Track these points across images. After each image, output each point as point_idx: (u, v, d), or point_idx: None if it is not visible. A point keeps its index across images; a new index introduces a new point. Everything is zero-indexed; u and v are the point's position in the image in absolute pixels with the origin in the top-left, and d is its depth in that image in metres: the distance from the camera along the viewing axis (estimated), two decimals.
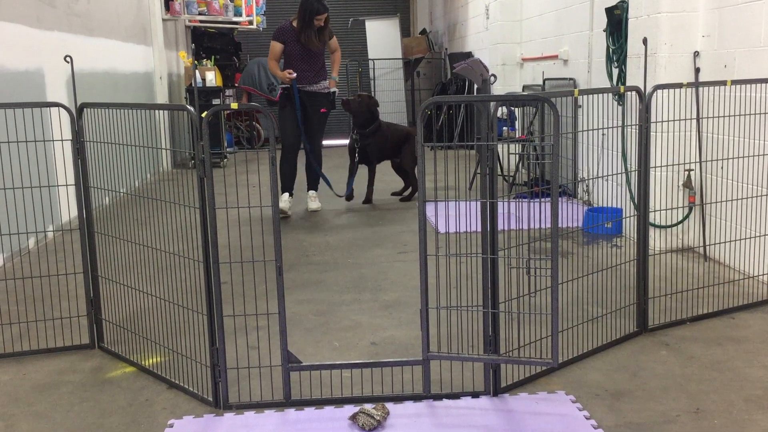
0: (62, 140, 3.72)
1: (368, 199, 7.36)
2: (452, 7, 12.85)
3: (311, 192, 7.12)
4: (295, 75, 6.70)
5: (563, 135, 7.11)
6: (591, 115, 6.27)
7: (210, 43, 11.98)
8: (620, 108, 5.69)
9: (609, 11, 5.79)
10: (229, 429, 2.83)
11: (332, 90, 6.95)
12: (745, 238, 4.43)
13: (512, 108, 8.06)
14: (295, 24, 6.78)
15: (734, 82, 3.91)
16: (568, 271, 4.14)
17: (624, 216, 5.46)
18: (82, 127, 3.51)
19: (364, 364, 3.16)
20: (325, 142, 7.37)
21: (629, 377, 3.18)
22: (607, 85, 6.02)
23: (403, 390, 3.07)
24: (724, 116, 4.52)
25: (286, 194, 6.82)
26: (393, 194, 7.65)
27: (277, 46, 6.84)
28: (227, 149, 10.85)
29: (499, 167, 7.46)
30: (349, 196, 7.20)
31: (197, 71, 10.29)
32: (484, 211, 2.89)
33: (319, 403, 3.00)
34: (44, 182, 4.98)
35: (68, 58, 3.66)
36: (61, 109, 3.52)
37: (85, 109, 3.51)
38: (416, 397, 3.02)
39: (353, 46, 14.53)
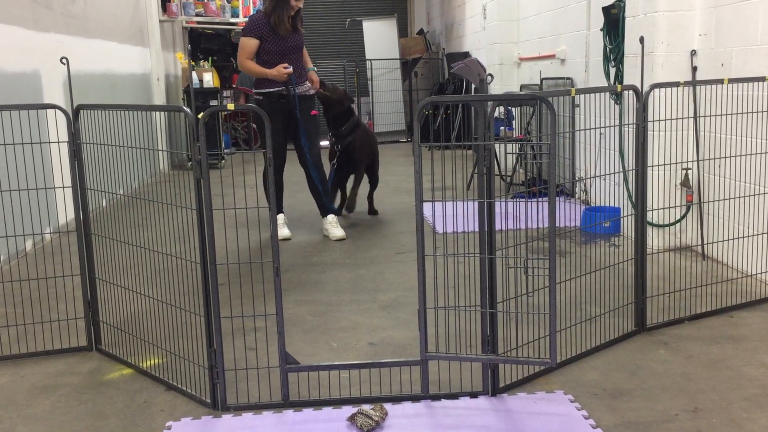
0: (59, 142, 3.71)
1: (351, 205, 6.53)
2: (449, 7, 12.85)
3: (330, 217, 5.96)
4: (291, 69, 5.55)
5: (561, 134, 7.11)
6: (588, 114, 6.29)
7: (207, 44, 11.99)
8: (617, 107, 5.69)
9: (606, 10, 5.79)
10: (227, 430, 2.82)
11: (313, 91, 5.93)
12: (743, 237, 4.42)
13: (510, 107, 8.05)
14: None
15: (731, 81, 3.90)
16: (566, 271, 4.14)
17: (622, 215, 5.46)
18: (79, 129, 3.51)
19: (362, 365, 3.16)
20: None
21: (628, 376, 3.17)
22: (605, 84, 6.02)
23: (402, 390, 3.07)
24: (721, 115, 4.52)
25: (281, 215, 6.03)
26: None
27: (251, 43, 5.60)
28: (225, 150, 10.84)
29: (496, 167, 7.47)
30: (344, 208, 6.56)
31: (194, 72, 10.28)
32: (482, 211, 2.89)
33: (318, 404, 3.00)
34: (41, 184, 4.96)
35: (64, 60, 3.65)
36: (57, 111, 3.51)
37: (81, 111, 3.51)
38: (414, 398, 3.01)
39: (350, 47, 14.54)
